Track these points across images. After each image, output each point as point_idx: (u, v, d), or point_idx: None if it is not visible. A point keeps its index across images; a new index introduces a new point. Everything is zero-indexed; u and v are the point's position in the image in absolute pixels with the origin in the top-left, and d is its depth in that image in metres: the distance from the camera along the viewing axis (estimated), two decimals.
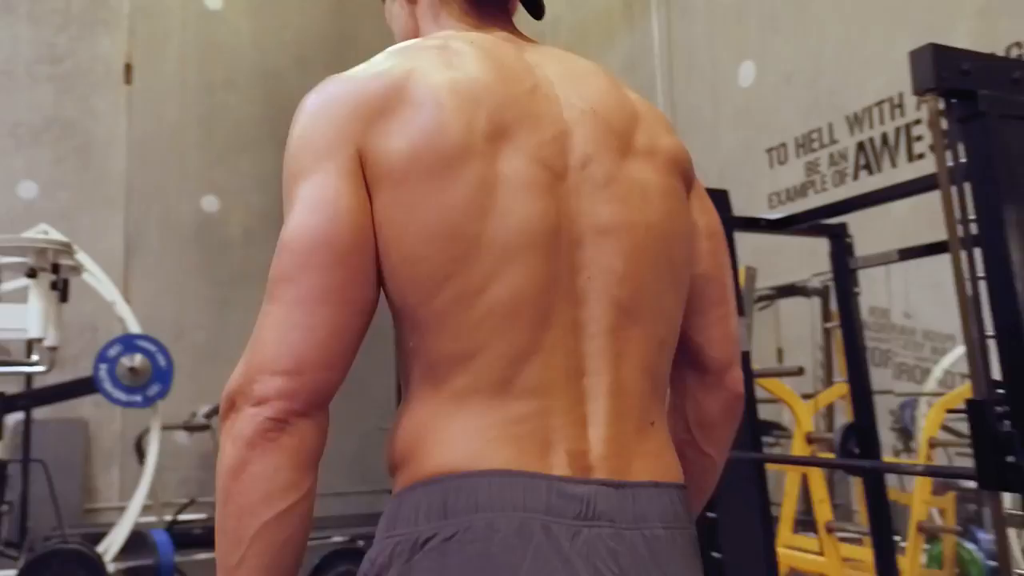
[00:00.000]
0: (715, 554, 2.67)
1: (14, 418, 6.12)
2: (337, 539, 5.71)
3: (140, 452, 6.51)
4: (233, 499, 0.78)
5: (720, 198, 2.73)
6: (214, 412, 6.88)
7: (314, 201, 0.79)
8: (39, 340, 2.46)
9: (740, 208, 2.80)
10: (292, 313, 0.77)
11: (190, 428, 6.85)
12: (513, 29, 1.00)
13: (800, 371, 3.58)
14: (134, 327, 4.72)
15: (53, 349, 2.80)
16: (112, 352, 4.41)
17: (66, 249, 2.52)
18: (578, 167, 0.86)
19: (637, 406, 0.85)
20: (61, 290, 2.80)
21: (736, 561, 2.70)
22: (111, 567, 4.62)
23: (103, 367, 4.38)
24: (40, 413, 6.48)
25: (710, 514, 2.66)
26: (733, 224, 2.72)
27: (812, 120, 4.73)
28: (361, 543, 4.47)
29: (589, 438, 0.81)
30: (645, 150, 0.91)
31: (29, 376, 5.35)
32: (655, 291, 0.87)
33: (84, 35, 7.66)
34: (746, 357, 2.71)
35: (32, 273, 2.40)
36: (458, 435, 0.80)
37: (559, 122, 0.86)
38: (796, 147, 4.84)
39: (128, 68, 7.77)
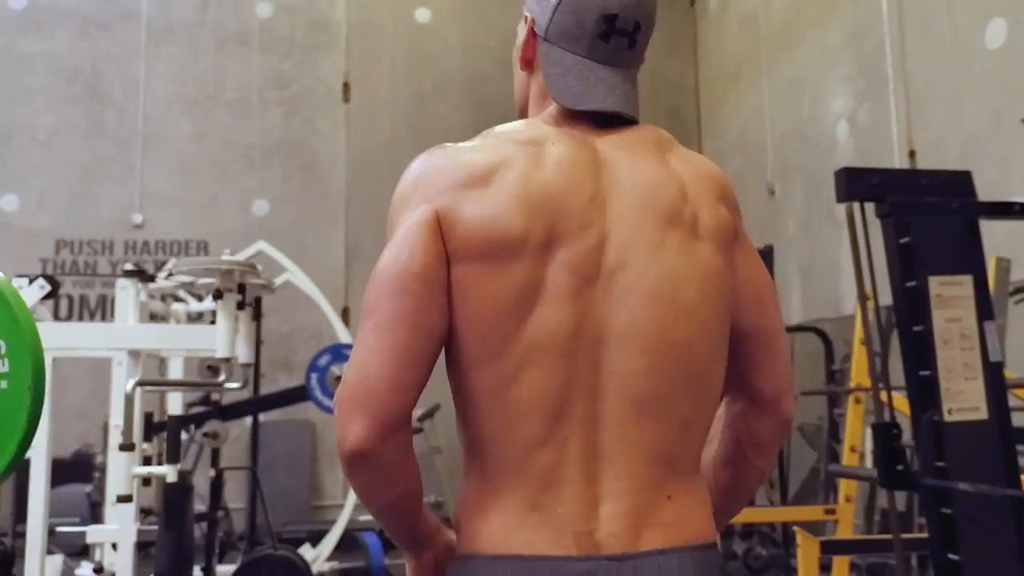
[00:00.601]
0: (952, 556, 2.23)
1: (246, 421, 6.57)
2: None
3: None
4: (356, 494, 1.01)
5: (962, 181, 2.29)
6: (427, 415, 7.01)
7: (398, 242, 0.96)
8: (227, 359, 2.49)
9: (990, 189, 2.34)
10: (370, 338, 0.94)
11: (413, 429, 7.02)
12: (610, 119, 1.09)
13: None
14: (344, 336, 4.85)
15: (247, 366, 2.85)
16: (322, 361, 4.54)
17: (251, 269, 2.54)
18: (608, 273, 0.97)
19: (651, 486, 0.97)
20: (253, 307, 2.83)
21: None
22: (325, 566, 4.77)
23: (314, 376, 4.52)
24: (271, 416, 6.92)
25: (952, 556, 2.21)
26: (977, 211, 2.27)
27: None
28: None
29: (600, 518, 0.95)
30: (690, 230, 1.01)
31: (256, 383, 5.70)
32: (672, 383, 0.98)
33: (307, 60, 8.12)
34: (997, 368, 2.25)
35: (218, 294, 2.43)
36: (488, 517, 0.97)
37: (603, 229, 0.98)
38: None
39: (346, 87, 8.16)
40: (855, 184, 2.25)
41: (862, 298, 2.36)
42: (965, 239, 2.30)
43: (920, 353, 2.20)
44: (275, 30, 8.08)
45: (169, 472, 2.19)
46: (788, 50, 6.80)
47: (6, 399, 1.20)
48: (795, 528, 2.96)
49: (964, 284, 2.29)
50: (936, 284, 2.25)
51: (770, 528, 5.22)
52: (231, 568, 3.99)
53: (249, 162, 7.90)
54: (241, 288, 2.48)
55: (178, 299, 4.61)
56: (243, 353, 2.71)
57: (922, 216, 2.25)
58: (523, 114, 1.16)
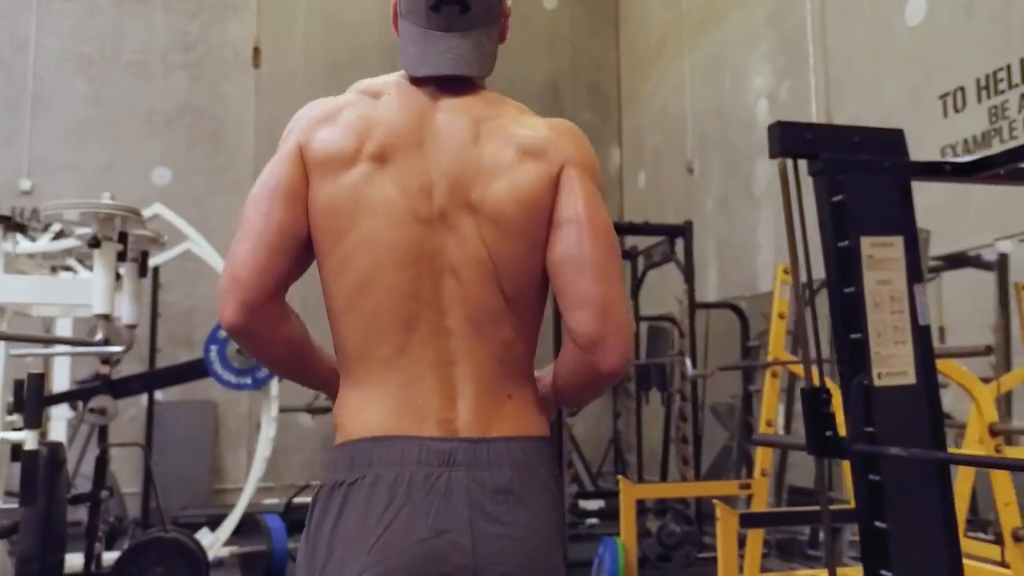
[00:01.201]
0: (885, 572, 2.14)
1: (142, 400, 6.19)
2: None
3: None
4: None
5: (895, 139, 2.22)
6: None
7: (267, 171, 1.19)
8: (105, 316, 2.21)
9: None
10: (238, 237, 1.15)
11: (313, 411, 6.75)
12: (450, 79, 1.26)
13: (989, 350, 2.95)
14: None
15: (132, 327, 2.57)
16: (222, 333, 4.25)
17: (134, 215, 2.26)
18: (437, 216, 1.16)
19: (493, 386, 1.17)
20: (140, 264, 2.55)
21: None
22: (224, 551, 4.50)
23: (213, 349, 4.23)
24: (170, 395, 6.54)
25: (879, 524, 2.13)
26: (909, 170, 2.20)
27: (999, 57, 3.99)
28: None
29: (457, 409, 1.15)
30: (477, 204, 1.17)
31: (152, 359, 5.34)
32: (492, 308, 1.17)
33: (215, 21, 7.70)
34: (925, 332, 2.17)
35: (95, 242, 2.15)
36: (360, 413, 1.16)
37: (428, 179, 1.18)
38: (978, 90, 4.11)
39: (256, 52, 7.77)
40: (789, 139, 2.16)
41: (793, 258, 2.26)
42: (897, 199, 2.22)
43: (852, 315, 2.11)
44: None
45: (27, 438, 1.91)
46: (710, 27, 6.76)
47: None
48: (715, 502, 2.87)
49: (895, 245, 2.21)
50: (868, 245, 2.17)
51: (683, 505, 5.18)
52: (117, 554, 3.70)
53: (150, 128, 7.44)
54: (123, 237, 2.21)
55: (68, 269, 4.25)
56: (127, 313, 2.43)
57: (855, 174, 2.17)
58: None
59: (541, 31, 8.54)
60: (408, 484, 1.10)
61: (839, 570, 4.23)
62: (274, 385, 4.65)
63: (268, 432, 4.54)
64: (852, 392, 2.12)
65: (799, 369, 4.21)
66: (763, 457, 3.96)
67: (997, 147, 3.95)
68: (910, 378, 2.16)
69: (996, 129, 3.99)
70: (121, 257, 2.22)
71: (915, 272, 2.15)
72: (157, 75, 7.52)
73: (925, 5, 4.47)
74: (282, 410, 5.60)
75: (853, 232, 2.13)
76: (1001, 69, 3.98)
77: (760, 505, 3.91)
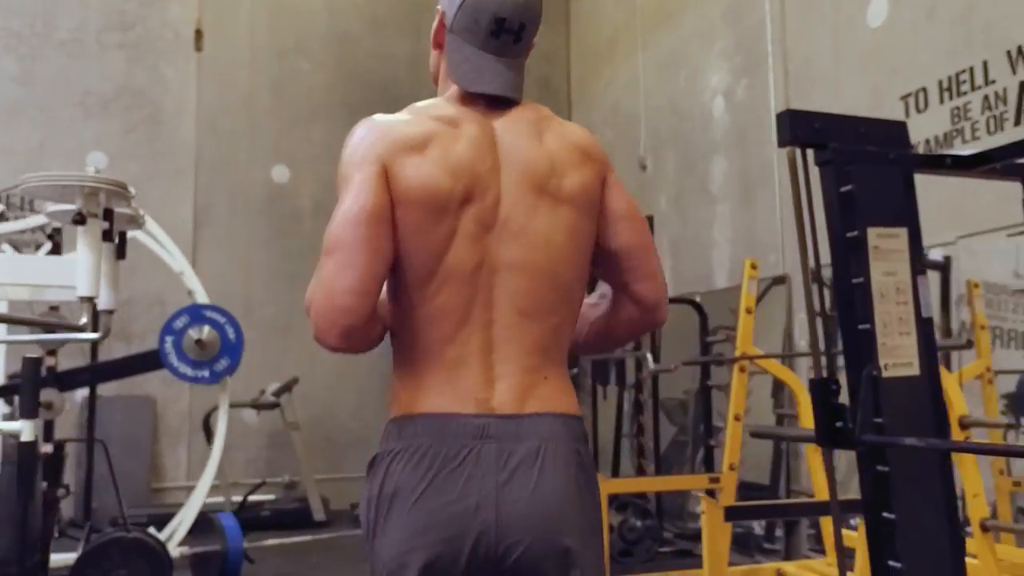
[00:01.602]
0: (893, 563, 2.15)
1: (80, 395, 5.89)
2: None
3: (208, 431, 6.24)
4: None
5: (898, 131, 2.23)
6: (283, 390, 6.55)
7: (355, 190, 1.29)
8: (90, 299, 2.05)
9: None
10: (332, 263, 1.27)
11: (258, 406, 6.54)
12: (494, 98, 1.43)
13: (970, 344, 3.02)
14: (202, 298, 4.36)
15: (109, 313, 2.40)
16: (179, 323, 4.06)
17: (121, 191, 2.10)
18: (501, 224, 1.34)
19: (531, 369, 1.35)
20: (118, 245, 2.38)
21: (919, 572, 2.18)
22: (176, 552, 4.30)
23: (169, 340, 4.03)
24: (107, 390, 6.23)
25: (887, 515, 2.14)
26: (914, 162, 2.21)
27: (961, 59, 4.09)
28: None
29: (495, 391, 1.32)
30: (555, 192, 1.37)
31: (94, 351, 5.07)
32: (544, 300, 1.36)
33: (154, 0, 7.39)
34: (928, 324, 2.19)
35: (80, 219, 1.99)
36: (414, 391, 1.34)
37: (497, 192, 1.35)
38: (940, 91, 4.21)
39: (198, 34, 7.48)
40: (799, 127, 2.14)
41: (803, 249, 2.24)
42: (901, 191, 2.23)
43: (860, 306, 2.11)
44: None
45: (24, 429, 1.74)
46: (665, 24, 6.79)
47: None
48: (700, 494, 2.85)
49: (900, 237, 2.22)
50: (874, 236, 2.17)
51: (643, 500, 5.18)
52: (68, 556, 3.49)
53: (84, 110, 7.09)
54: (108, 214, 2.05)
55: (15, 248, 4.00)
56: (106, 298, 2.27)
57: (862, 165, 2.17)
58: (434, 81, 1.51)
59: None
60: (444, 454, 1.27)
61: (802, 561, 4.29)
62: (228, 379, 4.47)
63: (224, 427, 4.35)
64: (862, 383, 2.12)
65: (768, 364, 4.26)
66: (731, 452, 3.98)
67: (959, 147, 4.05)
68: (914, 369, 2.17)
69: (958, 130, 4.10)
70: (107, 236, 2.07)
71: (918, 264, 2.17)
72: (92, 55, 7.17)
73: (887, 7, 4.56)
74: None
75: (860, 223, 2.13)
76: (963, 71, 4.08)
77: (728, 499, 3.93)
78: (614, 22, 7.63)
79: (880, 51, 4.60)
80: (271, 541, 5.54)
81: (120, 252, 2.37)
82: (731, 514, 2.84)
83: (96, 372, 4.23)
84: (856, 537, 3.36)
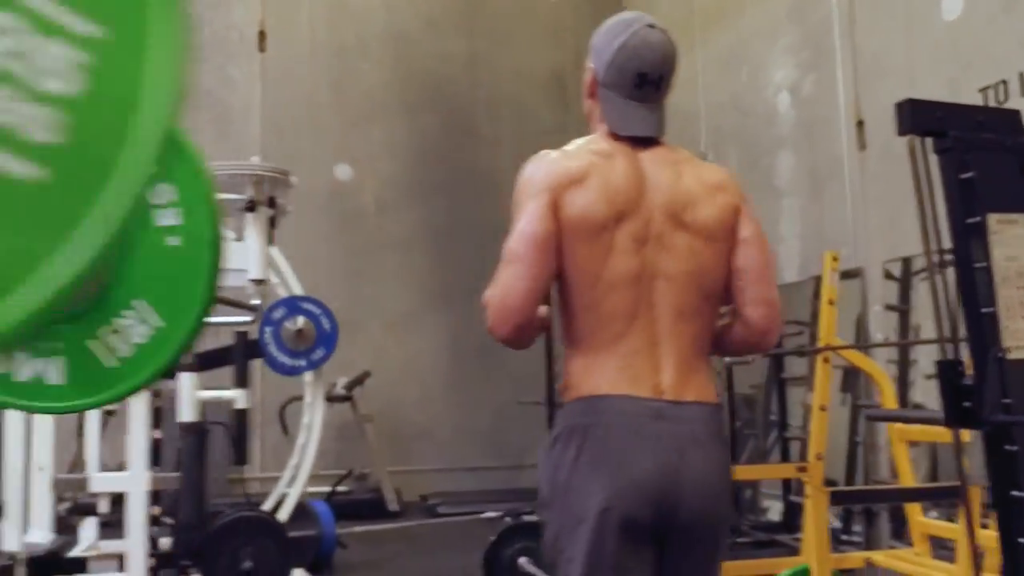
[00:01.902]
0: (1015, 492, 2.23)
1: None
2: (491, 514, 5.47)
3: (283, 422, 6.40)
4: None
5: (1013, 119, 2.32)
6: (355, 383, 6.70)
7: (531, 217, 1.55)
8: (260, 281, 2.19)
9: None
10: (511, 272, 1.55)
11: (330, 399, 6.68)
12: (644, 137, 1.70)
13: None
14: (297, 289, 4.51)
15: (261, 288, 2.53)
16: (276, 314, 4.18)
17: (284, 176, 2.23)
18: (654, 241, 1.59)
19: (687, 362, 1.59)
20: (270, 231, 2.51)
21: None
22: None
23: (268, 330, 4.16)
24: None
25: (1016, 493, 2.22)
26: None
27: None
28: (526, 518, 4.14)
29: (662, 378, 1.56)
30: (690, 223, 1.61)
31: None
32: (693, 304, 1.61)
33: (219, 3, 7.57)
34: None
35: (251, 206, 2.12)
36: (592, 377, 1.58)
37: (648, 213, 1.59)
38: (1021, 83, 4.27)
39: (262, 35, 7.66)
40: (919, 117, 2.22)
41: (925, 236, 2.33)
42: (1018, 177, 2.32)
43: (983, 290, 2.19)
44: None
45: (239, 397, 1.88)
46: (722, 22, 6.87)
47: (181, 259, 0.97)
48: (804, 479, 2.95)
49: (1019, 223, 2.30)
50: (994, 221, 2.25)
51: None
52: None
53: None
54: (272, 202, 2.18)
55: None
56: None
57: (980, 152, 2.25)
58: (589, 119, 1.76)
59: (544, 23, 8.58)
60: (633, 429, 1.52)
61: (890, 551, 4.35)
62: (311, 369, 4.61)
63: (319, 417, 4.50)
64: (988, 365, 2.21)
65: (851, 355, 4.33)
66: (817, 441, 4.06)
67: None
68: None
69: None
70: (272, 223, 2.20)
71: None
72: None
73: (963, 1, 4.62)
74: (297, 398, 5.56)
75: (980, 209, 2.22)
76: None
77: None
78: (669, 20, 7.69)
79: (956, 44, 4.65)
80: (359, 528, 5.69)
81: (270, 239, 2.50)
82: (837, 498, 2.93)
83: (203, 360, 4.38)
84: (951, 527, 3.43)
